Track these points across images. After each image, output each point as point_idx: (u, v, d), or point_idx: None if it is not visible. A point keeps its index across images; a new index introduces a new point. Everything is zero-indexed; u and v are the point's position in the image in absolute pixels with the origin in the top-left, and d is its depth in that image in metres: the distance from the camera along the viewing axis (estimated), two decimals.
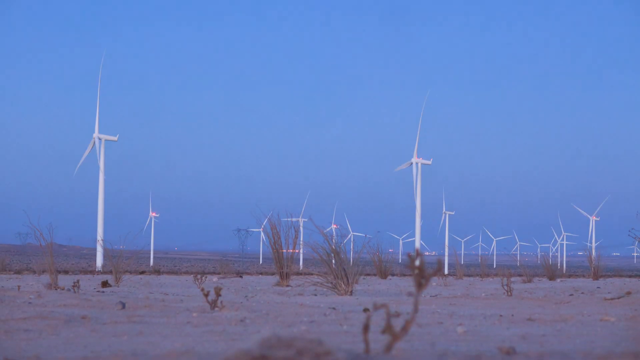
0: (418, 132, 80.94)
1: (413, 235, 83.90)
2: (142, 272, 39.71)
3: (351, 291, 17.41)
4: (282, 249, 23.26)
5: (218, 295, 10.42)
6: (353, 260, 18.04)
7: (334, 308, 11.57)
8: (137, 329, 8.20)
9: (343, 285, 17.36)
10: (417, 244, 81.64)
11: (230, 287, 20.66)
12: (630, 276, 49.92)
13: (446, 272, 64.21)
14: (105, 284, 20.71)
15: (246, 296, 15.54)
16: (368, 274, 35.39)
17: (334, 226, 19.38)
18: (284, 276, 23.09)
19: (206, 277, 24.29)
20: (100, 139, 69.33)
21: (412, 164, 79.95)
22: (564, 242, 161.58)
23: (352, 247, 19.81)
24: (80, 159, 69.07)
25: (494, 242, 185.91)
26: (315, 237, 18.43)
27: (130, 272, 32.51)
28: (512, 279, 20.14)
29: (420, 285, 4.63)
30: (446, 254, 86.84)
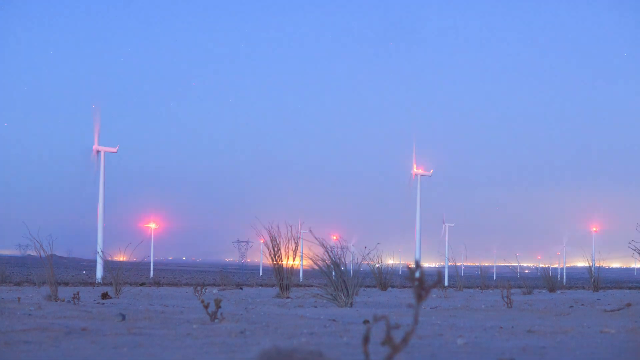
0: (414, 143, 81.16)
1: (411, 247, 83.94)
2: (142, 284, 39.71)
3: (351, 303, 17.41)
4: (282, 261, 23.26)
5: (218, 307, 10.42)
6: (353, 272, 18.04)
7: (334, 320, 11.57)
8: (137, 340, 8.21)
9: (343, 297, 17.37)
10: (417, 256, 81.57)
11: (230, 299, 20.65)
12: (630, 288, 49.88)
13: (446, 283, 64.19)
14: (105, 295, 20.70)
15: (246, 308, 15.54)
16: (368, 286, 35.39)
17: (333, 238, 19.38)
18: (284, 288, 23.08)
19: (206, 289, 24.27)
20: (99, 151, 69.45)
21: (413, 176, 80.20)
22: (564, 254, 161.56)
23: (352, 259, 19.81)
24: (89, 173, 69.14)
25: (495, 254, 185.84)
26: (315, 249, 18.45)
27: (130, 284, 32.50)
28: (512, 290, 20.12)
29: (420, 297, 4.64)
30: (446, 265, 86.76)
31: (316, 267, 18.16)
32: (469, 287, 42.71)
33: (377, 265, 33.83)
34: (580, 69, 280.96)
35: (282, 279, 23.14)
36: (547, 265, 37.30)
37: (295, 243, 23.32)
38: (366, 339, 5.02)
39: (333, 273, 17.68)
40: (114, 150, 70.23)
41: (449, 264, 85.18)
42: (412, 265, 4.73)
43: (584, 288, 47.26)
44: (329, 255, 18.07)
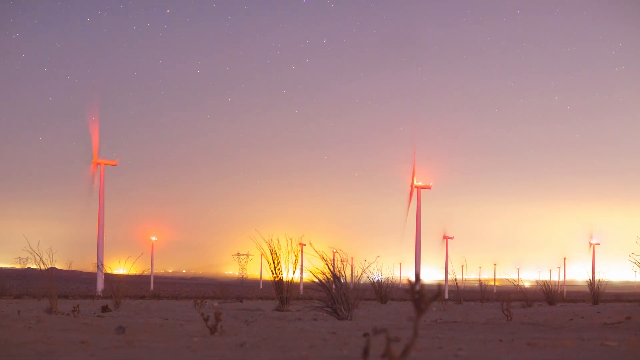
0: (414, 157, 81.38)
1: (411, 260, 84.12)
2: (142, 297, 39.70)
3: (351, 316, 17.40)
4: (281, 274, 23.27)
5: (218, 320, 10.41)
6: (353, 285, 18.05)
7: (334, 333, 11.56)
8: (137, 353, 8.20)
9: (343, 310, 17.36)
10: (417, 269, 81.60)
11: (230, 312, 20.64)
12: (630, 301, 49.80)
13: (446, 296, 64.16)
14: (105, 308, 20.70)
15: (246, 321, 15.52)
16: (368, 299, 35.36)
17: (333, 251, 19.39)
18: (284, 301, 23.08)
19: (206, 302, 24.27)
20: (100, 164, 69.70)
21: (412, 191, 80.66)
22: (564, 267, 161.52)
23: (352, 272, 19.83)
24: (90, 185, 69.56)
25: (495, 267, 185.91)
26: (316, 262, 18.45)
27: (130, 297, 32.46)
28: (512, 303, 20.15)
29: (420, 310, 4.65)
30: (446, 278, 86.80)
31: (316, 280, 18.17)
32: (469, 300, 42.70)
33: (377, 278, 33.85)
34: (581, 80, 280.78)
35: (282, 292, 23.15)
36: (547, 279, 37.21)
37: (295, 256, 23.34)
38: (366, 352, 5.02)
39: (333, 286, 17.69)
40: (114, 163, 70.51)
41: (449, 277, 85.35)
42: (412, 279, 4.74)
43: (584, 301, 47.22)
44: (329, 269, 18.08)
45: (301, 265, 22.71)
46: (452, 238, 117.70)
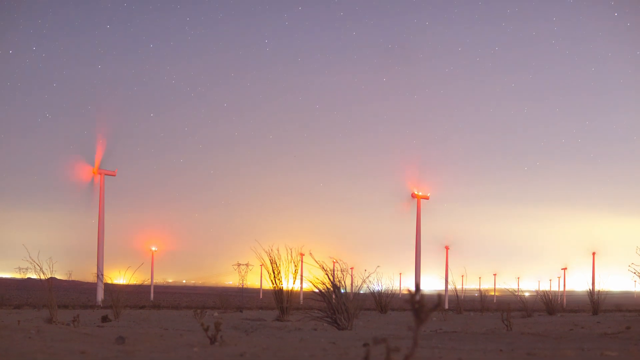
0: (414, 167, 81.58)
1: (411, 270, 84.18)
2: (142, 307, 39.67)
3: (351, 326, 17.39)
4: (281, 284, 23.25)
5: (218, 330, 10.41)
6: (353, 295, 18.04)
7: (334, 343, 11.56)
8: None
9: (343, 320, 17.36)
10: (417, 279, 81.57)
11: (230, 322, 20.61)
12: (630, 311, 49.74)
13: (446, 306, 64.13)
14: (105, 318, 20.68)
15: (246, 331, 15.51)
16: (368, 309, 35.33)
17: (333, 261, 19.40)
18: (284, 311, 23.06)
19: (206, 312, 24.25)
20: (99, 174, 69.84)
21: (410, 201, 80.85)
22: (564, 277, 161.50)
23: (351, 282, 19.82)
24: (90, 195, 69.77)
25: (495, 277, 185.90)
26: (316, 272, 18.45)
27: (130, 307, 32.47)
28: (512, 313, 20.12)
29: (420, 320, 4.65)
30: (446, 288, 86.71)
31: (316, 290, 18.17)
32: (469, 310, 42.66)
33: (377, 288, 33.85)
34: (582, 89, 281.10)
35: (282, 302, 23.14)
36: (547, 289, 37.22)
37: (295, 266, 23.33)
38: None
39: (333, 296, 17.69)
40: (113, 173, 70.68)
41: (449, 286, 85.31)
42: (412, 289, 4.74)
43: (584, 311, 47.18)
44: (329, 278, 18.08)
45: (301, 275, 22.72)
46: (448, 248, 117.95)
